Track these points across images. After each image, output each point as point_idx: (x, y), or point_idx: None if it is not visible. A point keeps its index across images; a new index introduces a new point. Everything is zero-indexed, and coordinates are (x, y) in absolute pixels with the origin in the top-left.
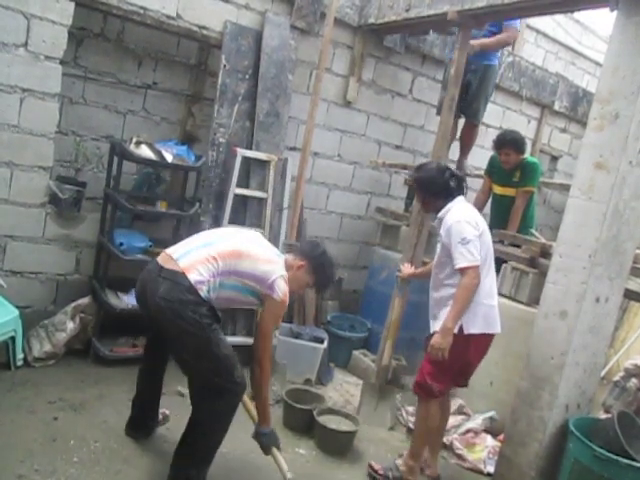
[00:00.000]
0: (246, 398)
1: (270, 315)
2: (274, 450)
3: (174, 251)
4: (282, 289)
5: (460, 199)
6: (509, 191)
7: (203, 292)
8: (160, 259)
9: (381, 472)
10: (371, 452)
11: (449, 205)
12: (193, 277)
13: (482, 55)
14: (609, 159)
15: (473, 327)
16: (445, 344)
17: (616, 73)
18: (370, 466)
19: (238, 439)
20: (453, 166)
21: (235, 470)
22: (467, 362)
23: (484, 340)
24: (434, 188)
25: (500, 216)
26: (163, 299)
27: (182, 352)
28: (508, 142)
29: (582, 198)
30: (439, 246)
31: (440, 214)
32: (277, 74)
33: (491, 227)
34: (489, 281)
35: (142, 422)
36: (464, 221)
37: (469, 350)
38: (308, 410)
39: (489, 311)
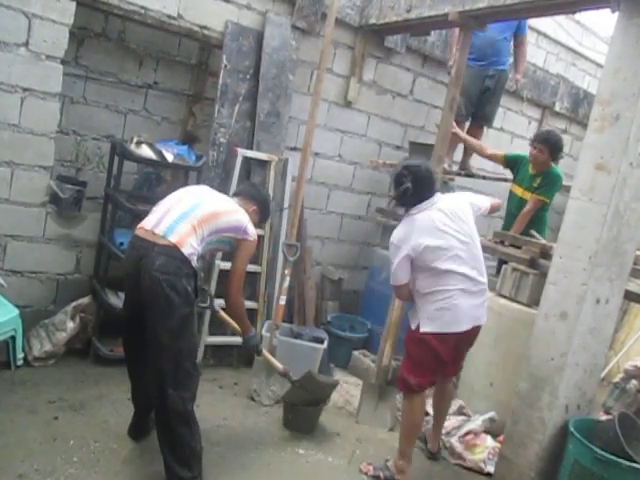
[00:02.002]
0: (224, 314)
1: (245, 255)
2: (263, 350)
3: (155, 226)
4: (253, 231)
5: (410, 215)
6: (528, 195)
7: (194, 262)
8: (144, 235)
9: (372, 473)
10: (371, 453)
11: (403, 218)
12: (186, 250)
13: (497, 61)
14: (610, 160)
15: (427, 326)
16: None
17: (617, 75)
18: (360, 470)
19: (233, 441)
20: (456, 167)
21: (235, 470)
22: (437, 355)
23: (448, 338)
24: (394, 193)
25: (514, 218)
26: (160, 272)
27: (163, 330)
28: (550, 141)
29: (583, 199)
30: None
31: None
32: (278, 74)
33: (504, 227)
34: (454, 282)
35: (139, 423)
36: (394, 245)
37: (432, 345)
38: (308, 411)
39: (445, 313)
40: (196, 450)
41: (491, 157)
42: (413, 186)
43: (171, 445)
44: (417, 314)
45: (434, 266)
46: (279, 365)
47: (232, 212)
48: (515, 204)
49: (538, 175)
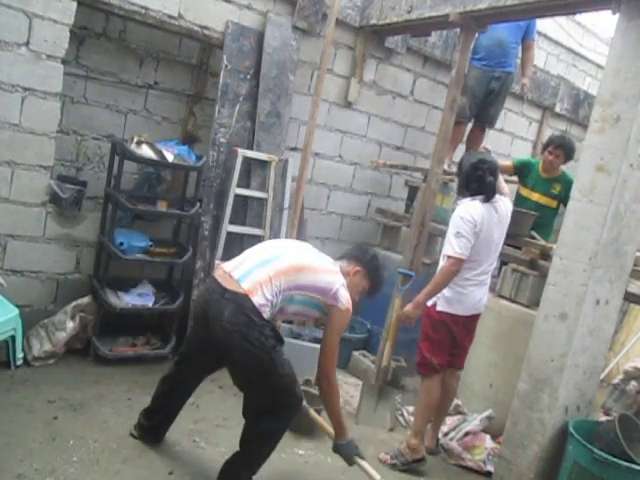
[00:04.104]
0: (315, 414)
1: (336, 325)
2: (357, 459)
3: (233, 269)
4: (346, 297)
5: (477, 200)
6: (548, 201)
7: (266, 314)
8: (220, 278)
9: (389, 461)
10: (371, 453)
11: (466, 199)
12: (257, 300)
13: (504, 62)
14: (610, 162)
15: (443, 307)
16: (414, 314)
17: (618, 76)
18: (379, 458)
19: (233, 441)
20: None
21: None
22: (453, 337)
23: (458, 319)
24: (463, 178)
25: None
26: (229, 322)
27: (246, 374)
28: (567, 147)
29: (583, 201)
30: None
31: (457, 202)
32: (278, 74)
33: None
34: (474, 274)
35: (157, 432)
36: (466, 219)
37: (448, 324)
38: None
39: (463, 297)
40: (262, 462)
41: (502, 169)
42: (494, 179)
43: (242, 458)
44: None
45: (471, 256)
46: (376, 476)
47: (322, 271)
48: (531, 209)
49: (554, 180)
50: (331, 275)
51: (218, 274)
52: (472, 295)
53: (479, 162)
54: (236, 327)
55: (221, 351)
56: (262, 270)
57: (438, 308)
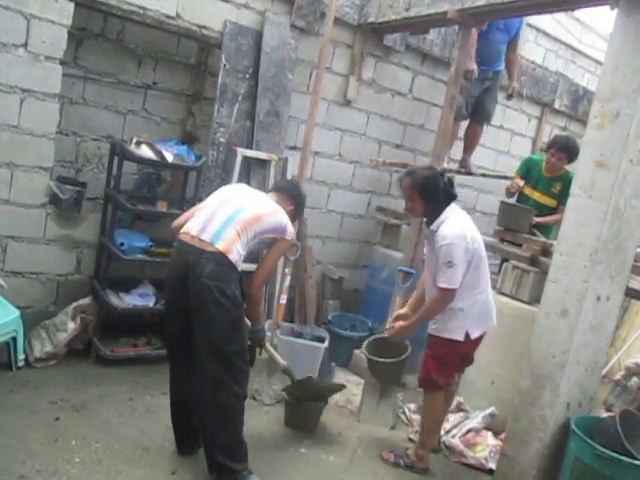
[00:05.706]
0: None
1: (279, 250)
2: (267, 344)
3: (201, 232)
4: (292, 230)
5: (453, 207)
6: (548, 201)
7: (239, 266)
8: (191, 241)
9: (392, 460)
10: (373, 452)
11: (443, 216)
12: (233, 257)
13: (496, 62)
14: (610, 157)
15: (476, 331)
16: (405, 334)
17: (616, 72)
18: (381, 456)
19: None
20: (456, 165)
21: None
22: (465, 356)
23: (472, 342)
24: (426, 193)
25: None
26: (209, 278)
27: (215, 333)
28: (570, 150)
29: (583, 197)
30: (433, 250)
31: (433, 226)
32: (277, 73)
33: None
34: (484, 281)
35: (187, 439)
36: (456, 243)
37: (468, 348)
38: (309, 407)
39: (485, 311)
40: (245, 444)
41: (513, 190)
42: (452, 187)
43: (225, 441)
44: (457, 322)
45: (479, 263)
46: (281, 360)
47: (273, 213)
48: (532, 207)
49: (556, 179)
50: (279, 214)
51: (186, 238)
52: (491, 300)
53: (431, 169)
54: (215, 282)
55: (194, 310)
56: (230, 228)
57: (474, 335)
